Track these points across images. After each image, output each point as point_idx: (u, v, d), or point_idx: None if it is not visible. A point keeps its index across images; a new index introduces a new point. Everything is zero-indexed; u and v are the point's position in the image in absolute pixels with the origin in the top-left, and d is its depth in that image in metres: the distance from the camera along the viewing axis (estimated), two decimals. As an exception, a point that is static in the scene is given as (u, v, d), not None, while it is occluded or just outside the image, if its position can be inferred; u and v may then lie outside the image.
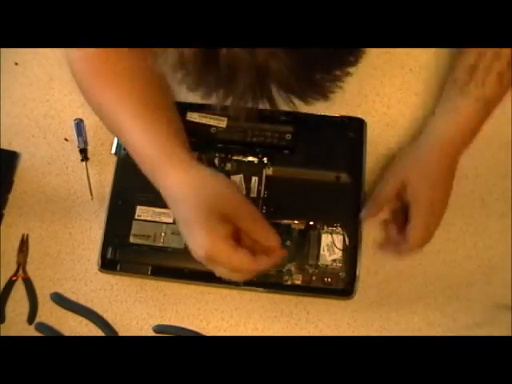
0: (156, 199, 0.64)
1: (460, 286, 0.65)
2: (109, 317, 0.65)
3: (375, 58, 0.73)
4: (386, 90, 0.71)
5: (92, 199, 0.69)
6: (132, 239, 0.64)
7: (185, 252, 0.62)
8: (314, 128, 0.67)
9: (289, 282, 0.62)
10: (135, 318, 0.65)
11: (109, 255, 0.64)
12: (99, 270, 0.65)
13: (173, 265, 0.63)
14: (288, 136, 0.67)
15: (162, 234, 0.64)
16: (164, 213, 0.64)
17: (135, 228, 0.64)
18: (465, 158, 0.69)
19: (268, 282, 0.63)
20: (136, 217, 0.64)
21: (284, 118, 0.67)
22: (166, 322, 0.65)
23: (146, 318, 0.65)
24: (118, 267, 0.64)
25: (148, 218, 0.64)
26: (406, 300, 0.65)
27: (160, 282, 0.66)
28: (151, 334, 0.64)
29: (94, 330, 0.65)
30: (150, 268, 0.63)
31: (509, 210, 0.67)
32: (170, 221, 0.64)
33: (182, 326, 0.64)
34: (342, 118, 0.67)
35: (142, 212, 0.65)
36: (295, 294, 0.64)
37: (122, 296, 0.66)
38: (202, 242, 0.50)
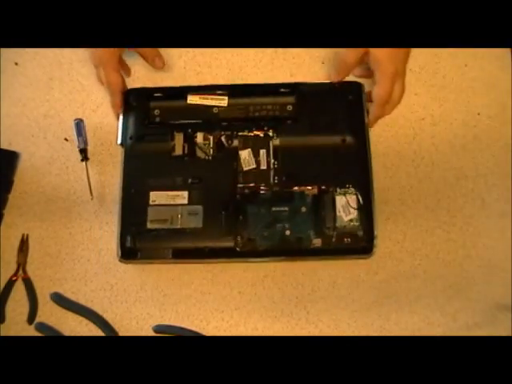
0: (168, 183, 0.65)
1: (460, 285, 0.65)
2: (109, 317, 0.65)
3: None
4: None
5: (92, 199, 0.69)
6: (149, 225, 0.64)
7: (204, 231, 0.63)
8: (314, 95, 0.68)
9: (309, 247, 0.63)
10: (135, 317, 0.65)
11: (128, 244, 0.64)
12: (120, 261, 0.65)
13: (193, 245, 0.63)
14: (289, 107, 0.68)
15: (179, 216, 0.64)
16: (178, 195, 0.65)
17: (151, 214, 0.64)
18: (465, 158, 0.70)
19: (289, 249, 0.63)
20: (150, 202, 0.65)
21: (283, 89, 0.68)
22: (166, 322, 0.65)
23: (146, 317, 0.65)
24: (139, 255, 0.64)
25: (162, 202, 0.64)
26: (406, 300, 0.65)
27: (160, 282, 0.66)
28: (151, 334, 0.64)
29: (94, 330, 0.65)
30: (170, 251, 0.63)
31: (509, 210, 0.67)
32: (185, 202, 0.64)
33: (182, 326, 0.64)
34: (340, 83, 0.68)
35: (156, 197, 0.65)
36: (317, 259, 0.65)
37: (122, 296, 0.66)
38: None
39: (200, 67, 0.74)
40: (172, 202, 0.64)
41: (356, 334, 0.64)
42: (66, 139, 0.72)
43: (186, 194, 0.65)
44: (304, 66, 0.73)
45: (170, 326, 0.65)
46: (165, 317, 0.65)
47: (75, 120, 0.71)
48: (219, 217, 0.63)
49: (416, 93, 0.71)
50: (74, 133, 0.70)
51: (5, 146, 0.71)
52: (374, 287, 0.65)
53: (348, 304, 0.65)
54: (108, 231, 0.68)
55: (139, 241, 0.64)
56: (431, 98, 0.71)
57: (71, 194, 0.70)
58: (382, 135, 0.70)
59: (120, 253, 0.64)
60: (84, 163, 0.69)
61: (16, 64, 0.75)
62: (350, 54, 0.66)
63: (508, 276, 0.65)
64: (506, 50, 0.72)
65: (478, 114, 0.70)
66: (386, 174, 0.69)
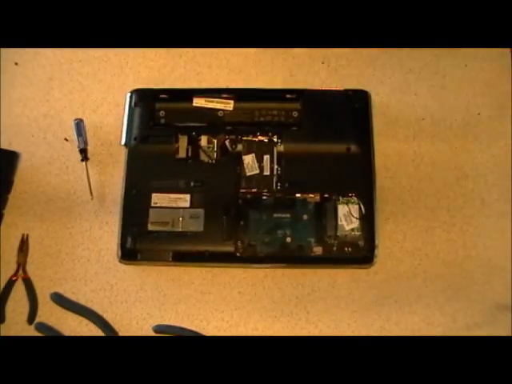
0: (171, 185, 0.65)
1: (460, 285, 0.65)
2: (109, 317, 0.65)
3: (375, 59, 0.73)
4: (386, 90, 0.72)
5: (92, 199, 0.69)
6: (150, 227, 0.64)
7: (204, 235, 0.63)
8: (320, 103, 0.68)
9: (310, 255, 0.63)
10: (135, 317, 0.65)
11: (128, 245, 0.64)
12: (120, 261, 0.65)
13: (193, 249, 0.64)
14: (295, 113, 0.68)
15: (180, 219, 0.64)
16: (180, 198, 0.65)
17: (152, 215, 0.64)
18: (465, 158, 0.70)
19: (289, 256, 0.63)
20: (152, 204, 0.65)
21: (289, 95, 0.68)
22: (166, 322, 0.65)
23: (146, 317, 0.65)
24: (139, 256, 0.64)
25: (164, 205, 0.65)
26: (406, 300, 0.65)
27: (160, 282, 0.66)
28: (151, 334, 0.64)
29: (94, 330, 0.65)
30: (171, 254, 0.63)
31: (509, 210, 0.67)
32: (187, 205, 0.64)
33: (182, 326, 0.64)
34: (346, 90, 0.68)
35: (158, 199, 0.65)
36: (317, 267, 0.65)
37: (122, 296, 0.66)
38: None
39: (200, 67, 0.74)
40: (174, 205, 0.65)
41: (356, 333, 0.64)
42: (66, 139, 0.71)
43: (188, 196, 0.65)
44: (304, 66, 0.73)
45: (170, 326, 0.65)
46: (165, 317, 0.65)
47: (75, 120, 0.71)
48: (220, 221, 0.64)
49: (416, 93, 0.71)
50: (74, 133, 0.70)
51: (5, 146, 0.71)
52: (374, 287, 0.65)
53: (348, 304, 0.65)
54: (108, 231, 0.68)
55: (139, 242, 0.64)
56: (431, 98, 0.71)
57: (71, 194, 0.70)
58: (382, 135, 0.70)
59: (120, 253, 0.64)
60: (84, 163, 0.69)
61: (16, 64, 0.75)
62: None
63: (508, 276, 0.65)
64: (506, 50, 0.72)
65: (478, 113, 0.71)
66: (386, 174, 0.69)
